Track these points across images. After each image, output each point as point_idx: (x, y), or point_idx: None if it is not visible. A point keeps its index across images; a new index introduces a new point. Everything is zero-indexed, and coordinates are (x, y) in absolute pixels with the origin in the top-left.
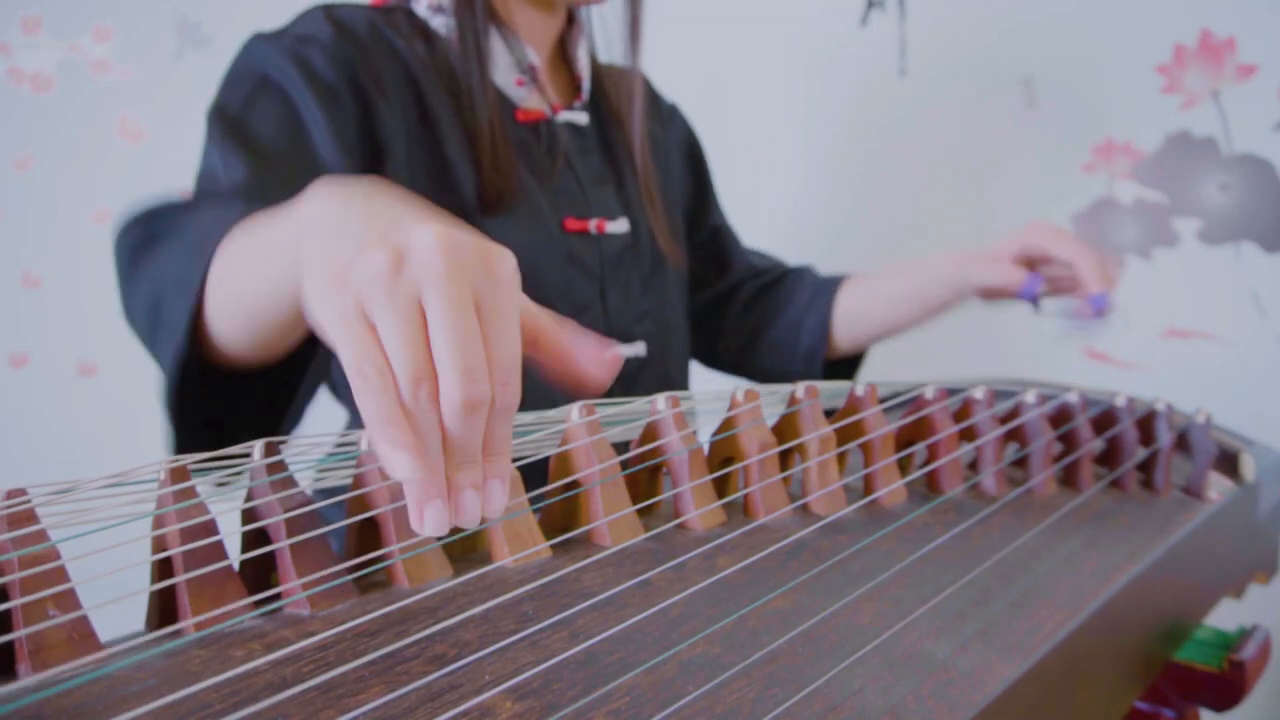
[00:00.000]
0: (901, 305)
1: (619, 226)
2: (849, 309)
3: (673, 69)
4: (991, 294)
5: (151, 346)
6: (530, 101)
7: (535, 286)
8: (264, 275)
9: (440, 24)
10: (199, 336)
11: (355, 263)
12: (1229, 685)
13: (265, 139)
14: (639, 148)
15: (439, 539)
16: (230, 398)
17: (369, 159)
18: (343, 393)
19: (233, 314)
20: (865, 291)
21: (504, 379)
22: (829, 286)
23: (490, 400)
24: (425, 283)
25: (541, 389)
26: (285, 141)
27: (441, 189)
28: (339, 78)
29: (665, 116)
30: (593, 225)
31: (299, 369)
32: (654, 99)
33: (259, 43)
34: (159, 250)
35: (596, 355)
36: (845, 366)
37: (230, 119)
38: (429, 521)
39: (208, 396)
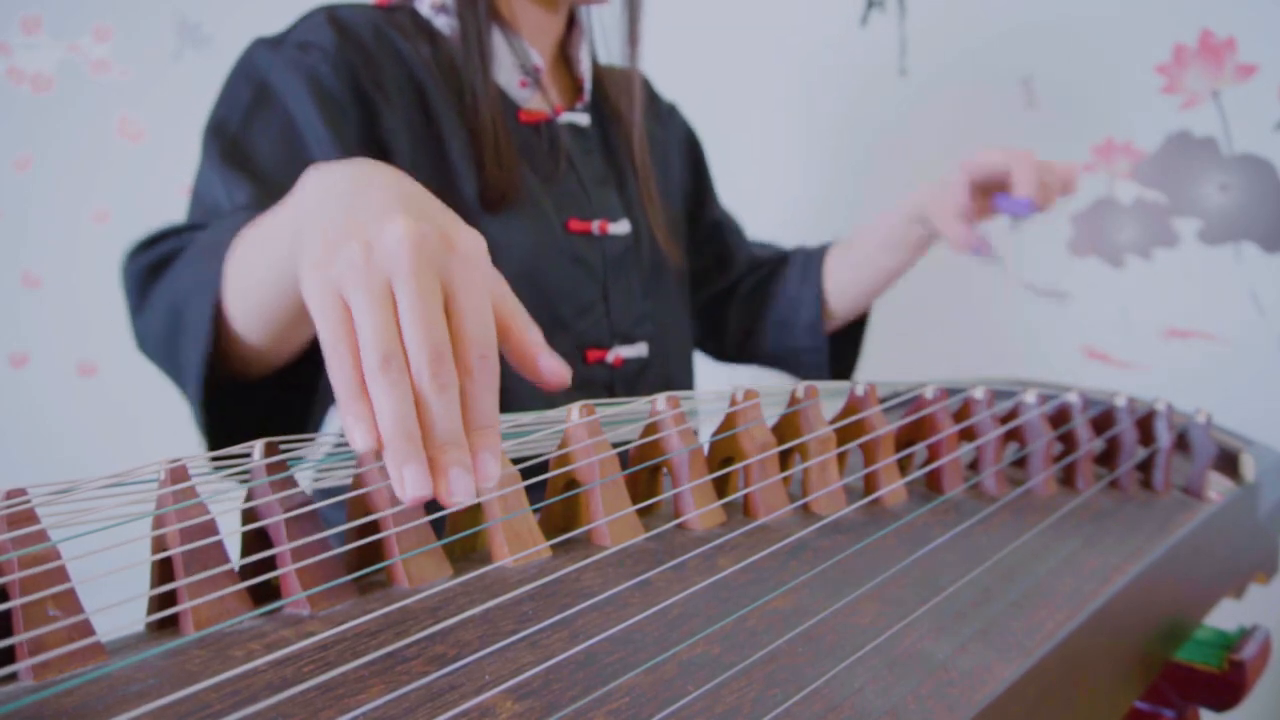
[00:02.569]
0: (884, 253)
1: (621, 228)
2: (838, 272)
3: (672, 69)
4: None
5: (173, 359)
6: (533, 102)
7: (540, 287)
8: (266, 265)
9: (444, 23)
10: (221, 343)
11: (336, 248)
12: (1229, 685)
13: (265, 160)
14: (640, 150)
15: (439, 540)
16: (255, 407)
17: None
18: None
19: (247, 309)
20: (849, 250)
21: (480, 352)
22: (817, 255)
23: (469, 373)
24: (394, 274)
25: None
26: (286, 162)
27: (445, 189)
28: (342, 85)
29: (664, 115)
30: (595, 226)
31: (315, 370)
32: (653, 98)
33: (260, 49)
34: (169, 273)
35: (555, 366)
36: (849, 340)
37: (229, 138)
38: (409, 483)
39: (233, 408)
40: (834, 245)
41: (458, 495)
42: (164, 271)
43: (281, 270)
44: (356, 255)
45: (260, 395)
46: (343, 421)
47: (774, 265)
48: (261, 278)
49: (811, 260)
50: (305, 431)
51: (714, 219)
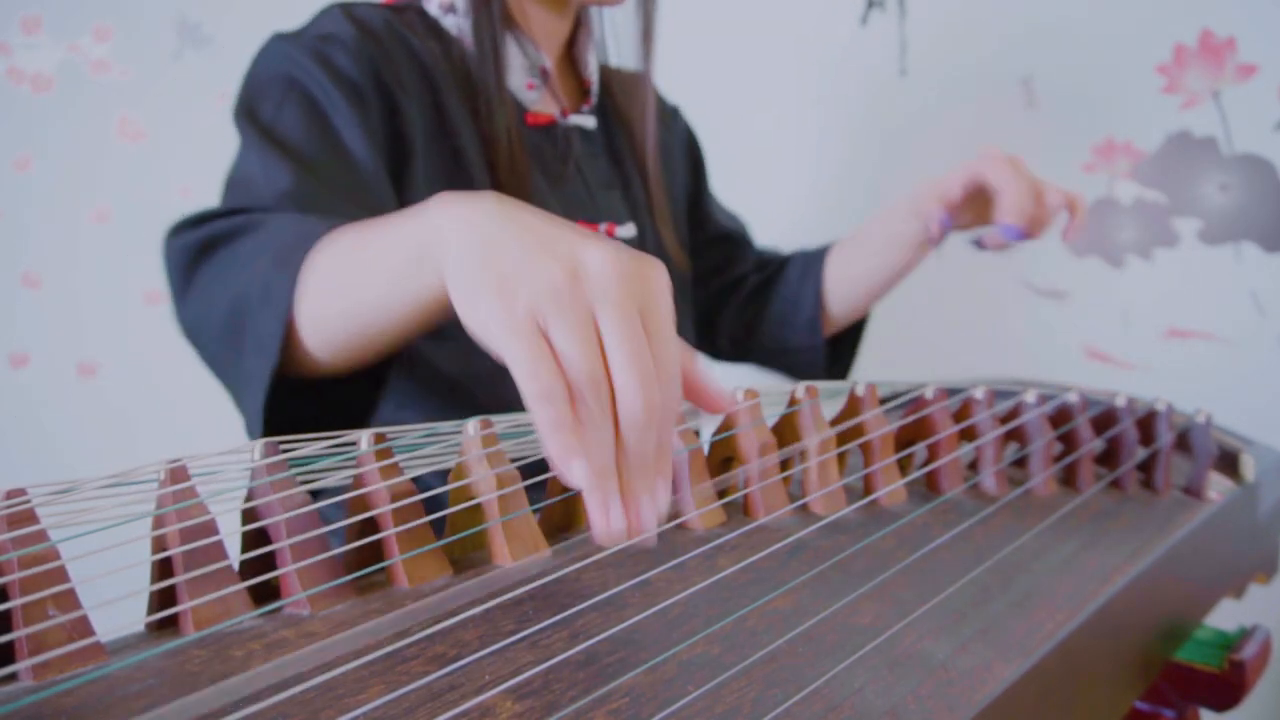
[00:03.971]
0: (883, 250)
1: (627, 231)
2: (838, 270)
3: (673, 69)
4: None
5: (231, 366)
6: (541, 105)
7: None
8: (380, 283)
9: (451, 24)
10: (285, 354)
11: (526, 274)
12: (1229, 685)
13: (301, 144)
14: (651, 154)
15: (439, 540)
16: (313, 402)
17: (395, 155)
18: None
19: (333, 324)
20: (850, 249)
21: (669, 387)
22: (818, 256)
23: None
24: (600, 299)
25: None
26: (320, 145)
27: (457, 189)
28: (363, 75)
29: (668, 118)
30: (602, 230)
31: (383, 372)
32: (657, 101)
33: (280, 43)
34: (223, 261)
35: (720, 390)
36: (846, 342)
37: (263, 125)
38: (614, 529)
39: (291, 406)
40: (835, 245)
41: (644, 525)
42: (214, 255)
43: (400, 291)
44: (559, 277)
45: (322, 390)
46: (551, 455)
47: (777, 266)
48: (366, 297)
49: (813, 260)
50: (365, 425)
51: (714, 218)
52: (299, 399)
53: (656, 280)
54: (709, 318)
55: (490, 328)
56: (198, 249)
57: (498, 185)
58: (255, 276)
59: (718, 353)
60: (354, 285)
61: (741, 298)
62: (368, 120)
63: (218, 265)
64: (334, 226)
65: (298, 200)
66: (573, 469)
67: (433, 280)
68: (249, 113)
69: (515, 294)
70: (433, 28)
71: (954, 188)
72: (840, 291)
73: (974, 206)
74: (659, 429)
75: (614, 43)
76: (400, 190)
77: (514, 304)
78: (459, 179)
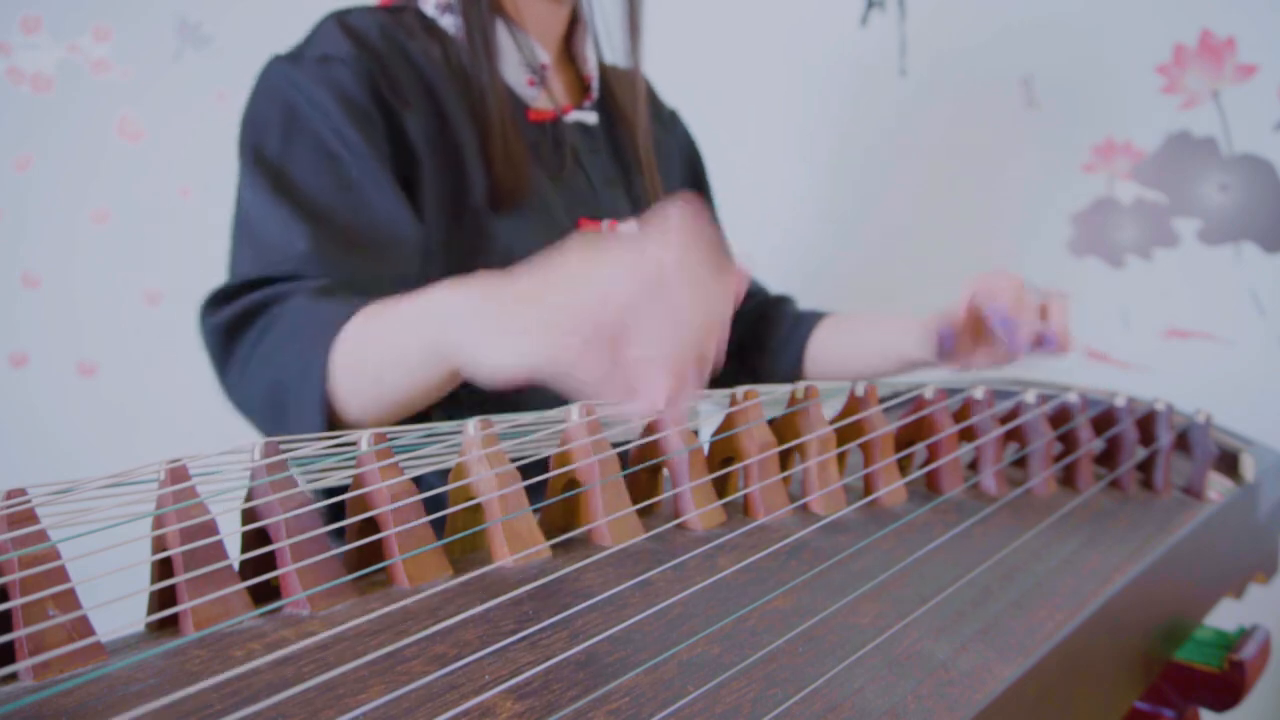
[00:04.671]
0: (873, 355)
1: (630, 227)
2: (824, 348)
3: (671, 69)
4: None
5: (272, 429)
6: (541, 101)
7: None
8: (401, 374)
9: (449, 23)
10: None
11: (610, 283)
12: (1229, 685)
13: (314, 190)
14: (644, 149)
15: (439, 540)
16: None
17: (403, 169)
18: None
19: (362, 399)
20: (842, 334)
21: (723, 297)
22: (807, 321)
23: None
24: (673, 281)
25: (540, 390)
26: (333, 188)
27: (457, 188)
28: (366, 94)
29: (666, 121)
30: (605, 226)
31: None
32: (655, 102)
33: (280, 66)
34: (261, 338)
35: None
36: None
37: (273, 169)
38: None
39: None
40: (827, 318)
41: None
42: (249, 331)
43: (425, 377)
44: (646, 270)
45: None
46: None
47: (758, 305)
48: (391, 384)
49: (801, 323)
50: None
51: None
52: None
53: (671, 262)
54: None
55: (575, 365)
56: (231, 326)
57: (494, 179)
58: (289, 353)
59: None
60: (380, 375)
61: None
62: (375, 141)
63: (250, 344)
64: (358, 307)
65: (316, 263)
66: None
67: (451, 367)
68: (255, 149)
69: (585, 323)
70: (430, 28)
71: (958, 307)
72: (817, 365)
73: (976, 331)
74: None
75: (605, 38)
76: (414, 202)
77: (592, 329)
78: (458, 178)
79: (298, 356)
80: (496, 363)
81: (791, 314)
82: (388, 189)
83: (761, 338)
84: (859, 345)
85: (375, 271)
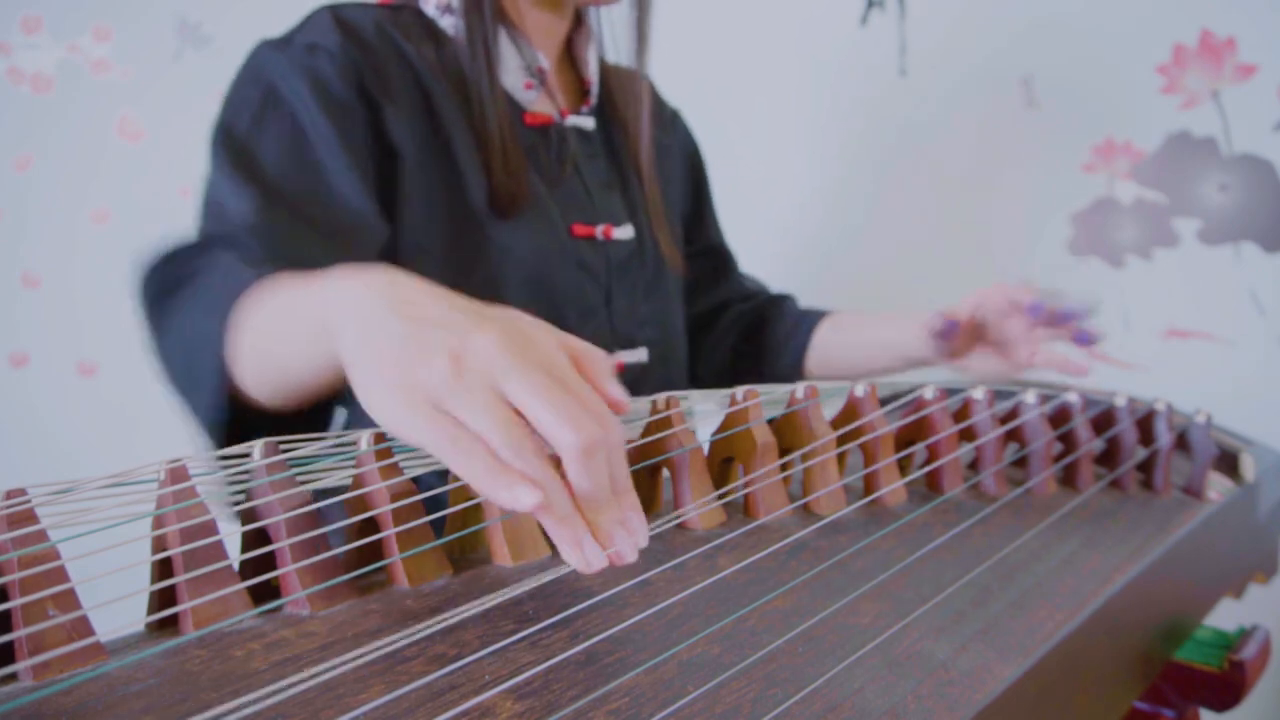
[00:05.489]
0: (875, 352)
1: (625, 233)
2: (826, 345)
3: (672, 69)
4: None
5: (188, 399)
6: (539, 105)
7: (545, 292)
8: (291, 344)
9: (449, 24)
10: (233, 388)
11: (415, 369)
12: (1229, 685)
13: (273, 167)
14: (646, 153)
15: (439, 539)
16: (267, 422)
17: (383, 166)
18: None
19: (261, 372)
20: (844, 332)
21: (602, 420)
22: (808, 320)
23: (605, 440)
24: (500, 376)
25: None
26: (294, 169)
27: (452, 193)
28: (348, 87)
29: (668, 122)
30: (600, 231)
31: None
32: (658, 103)
33: (266, 51)
34: (180, 301)
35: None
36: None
37: (237, 145)
38: (590, 559)
39: (245, 426)
40: (830, 315)
41: (624, 556)
42: (172, 300)
43: (308, 356)
44: (447, 372)
45: (276, 416)
46: (500, 502)
47: (760, 304)
48: (284, 352)
49: (804, 321)
50: (319, 429)
51: (709, 239)
52: (254, 422)
53: (545, 341)
54: (692, 344)
55: (398, 428)
56: (159, 294)
57: (493, 186)
58: (194, 322)
59: (694, 380)
60: (276, 350)
61: (723, 326)
62: (351, 135)
63: (173, 308)
64: (263, 274)
65: (260, 233)
66: (520, 496)
67: (335, 356)
68: (226, 127)
69: (414, 391)
70: (429, 29)
71: (962, 309)
72: (820, 364)
73: (975, 335)
74: (608, 461)
75: (611, 41)
76: (394, 200)
77: (414, 400)
78: (453, 183)
79: (201, 322)
80: (384, 422)
81: (792, 313)
82: (353, 179)
83: (763, 337)
84: (861, 342)
85: (327, 256)
